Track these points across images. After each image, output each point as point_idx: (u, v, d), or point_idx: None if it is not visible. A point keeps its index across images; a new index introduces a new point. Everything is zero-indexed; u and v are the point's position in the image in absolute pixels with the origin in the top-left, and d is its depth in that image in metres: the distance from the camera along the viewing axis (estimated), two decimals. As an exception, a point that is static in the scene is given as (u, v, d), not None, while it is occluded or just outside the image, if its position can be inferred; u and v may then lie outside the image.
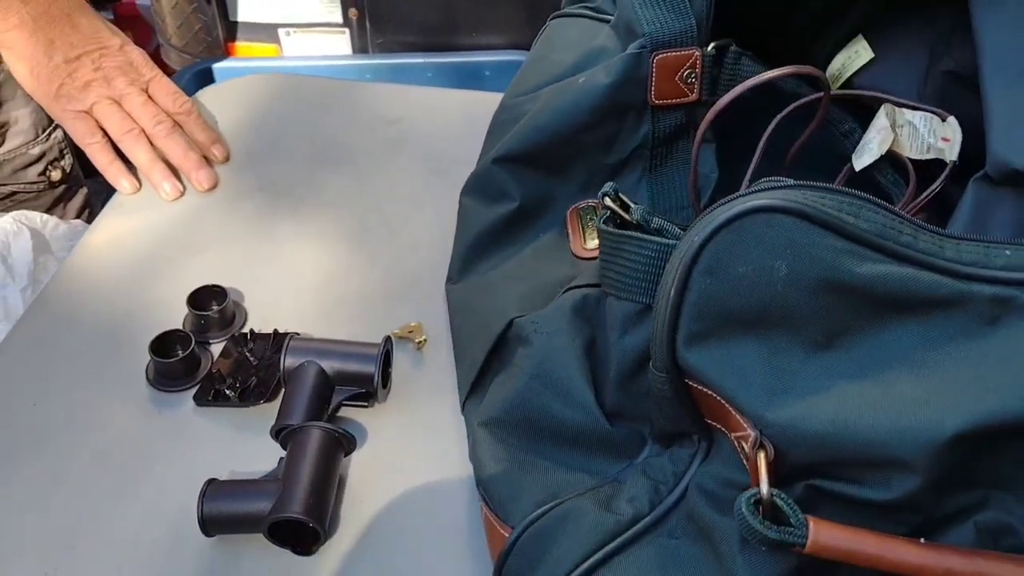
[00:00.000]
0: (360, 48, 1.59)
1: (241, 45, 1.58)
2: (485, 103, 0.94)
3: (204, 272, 0.73)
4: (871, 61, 0.64)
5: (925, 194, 0.57)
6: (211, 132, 0.84)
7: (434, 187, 0.82)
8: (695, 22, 0.58)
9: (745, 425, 0.41)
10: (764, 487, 0.39)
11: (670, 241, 0.46)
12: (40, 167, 1.03)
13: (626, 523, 0.47)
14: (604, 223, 0.49)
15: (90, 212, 1.12)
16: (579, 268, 0.60)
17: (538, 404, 0.52)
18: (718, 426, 0.45)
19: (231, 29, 1.56)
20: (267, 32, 1.56)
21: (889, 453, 0.39)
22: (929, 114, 0.59)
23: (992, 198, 0.48)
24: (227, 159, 0.84)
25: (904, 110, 0.61)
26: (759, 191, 0.41)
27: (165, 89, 0.82)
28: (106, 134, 0.80)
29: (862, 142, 0.62)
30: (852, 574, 0.42)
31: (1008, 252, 0.40)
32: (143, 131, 0.79)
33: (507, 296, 0.60)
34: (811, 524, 0.38)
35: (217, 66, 1.48)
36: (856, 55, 0.66)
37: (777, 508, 0.39)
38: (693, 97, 0.60)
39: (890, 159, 0.61)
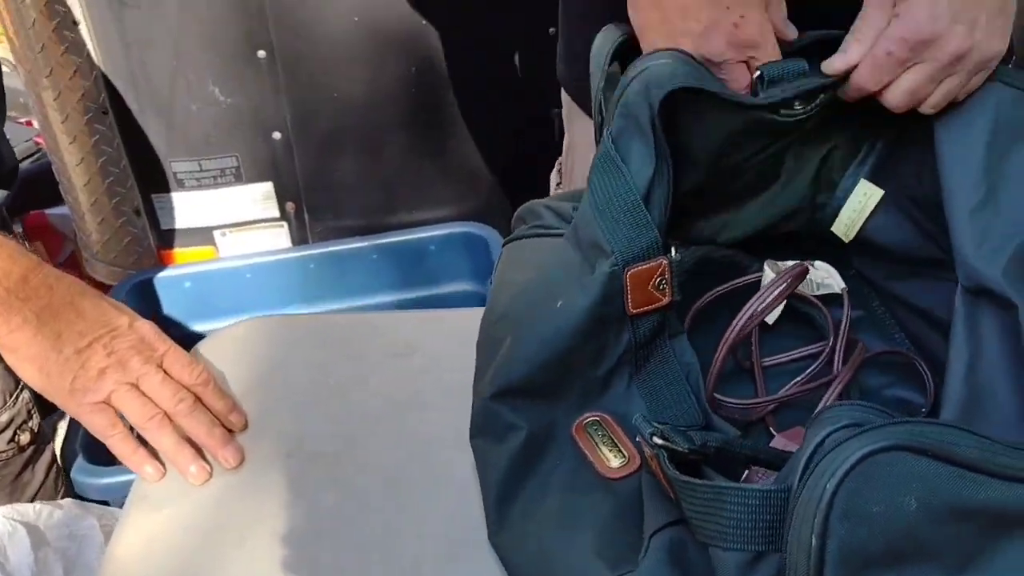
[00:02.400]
0: (299, 239, 1.55)
1: (177, 252, 1.52)
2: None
3: (255, 567, 0.67)
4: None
5: (844, 321, 0.69)
6: (228, 400, 0.78)
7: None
8: (658, 233, 0.61)
9: None
10: None
11: (770, 488, 0.48)
12: (9, 434, 0.95)
13: None
14: (674, 469, 0.51)
15: (57, 468, 1.04)
16: (619, 493, 0.61)
17: None
18: None
19: (163, 237, 1.50)
20: (201, 235, 1.51)
21: None
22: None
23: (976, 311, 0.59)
24: (245, 426, 0.79)
25: (781, 263, 0.70)
26: (860, 431, 0.44)
27: (181, 361, 0.76)
28: (125, 420, 0.74)
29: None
30: None
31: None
32: (165, 414, 0.74)
33: (577, 551, 0.59)
34: None
35: (157, 277, 1.41)
36: (867, 197, 0.71)
37: None
38: (666, 301, 0.63)
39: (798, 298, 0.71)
